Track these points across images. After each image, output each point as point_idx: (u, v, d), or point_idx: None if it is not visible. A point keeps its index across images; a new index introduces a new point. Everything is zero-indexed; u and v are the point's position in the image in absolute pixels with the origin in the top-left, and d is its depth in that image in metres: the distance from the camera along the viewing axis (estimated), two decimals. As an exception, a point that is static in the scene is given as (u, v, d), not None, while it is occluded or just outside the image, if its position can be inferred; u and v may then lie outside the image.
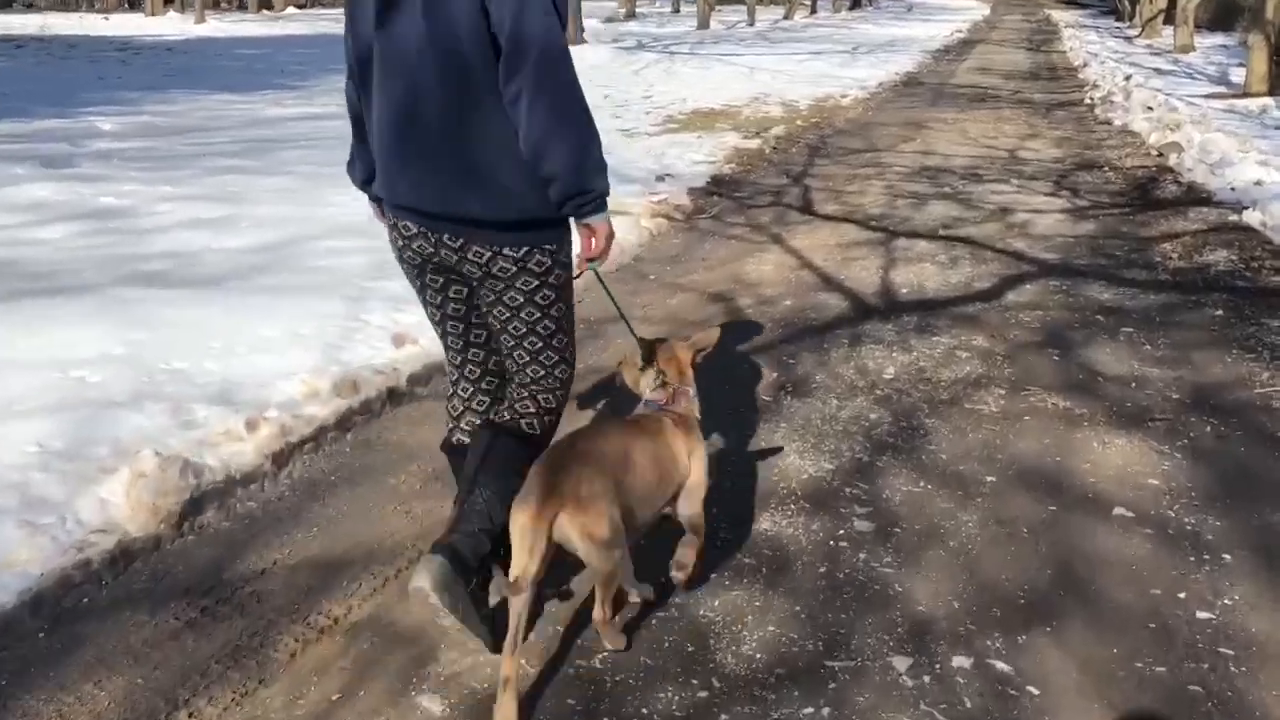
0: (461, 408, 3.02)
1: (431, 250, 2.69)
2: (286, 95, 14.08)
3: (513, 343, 2.80)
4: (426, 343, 4.84)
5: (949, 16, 45.55)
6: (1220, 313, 5.86)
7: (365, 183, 2.93)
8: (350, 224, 6.65)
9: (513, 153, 2.53)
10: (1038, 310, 5.93)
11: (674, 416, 2.93)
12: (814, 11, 44.56)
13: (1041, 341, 5.44)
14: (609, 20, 37.12)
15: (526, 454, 2.75)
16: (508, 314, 2.73)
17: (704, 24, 32.63)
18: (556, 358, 2.85)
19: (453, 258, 2.67)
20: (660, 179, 9.10)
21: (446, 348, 3.01)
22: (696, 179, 9.35)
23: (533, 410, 2.87)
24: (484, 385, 3.00)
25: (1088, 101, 16.41)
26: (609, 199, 2.65)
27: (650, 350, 3.03)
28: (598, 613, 2.69)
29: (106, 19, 29.91)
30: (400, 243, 2.78)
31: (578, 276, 2.86)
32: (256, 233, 6.60)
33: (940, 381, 4.91)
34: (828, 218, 8.31)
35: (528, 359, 2.82)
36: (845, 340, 5.48)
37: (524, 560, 2.48)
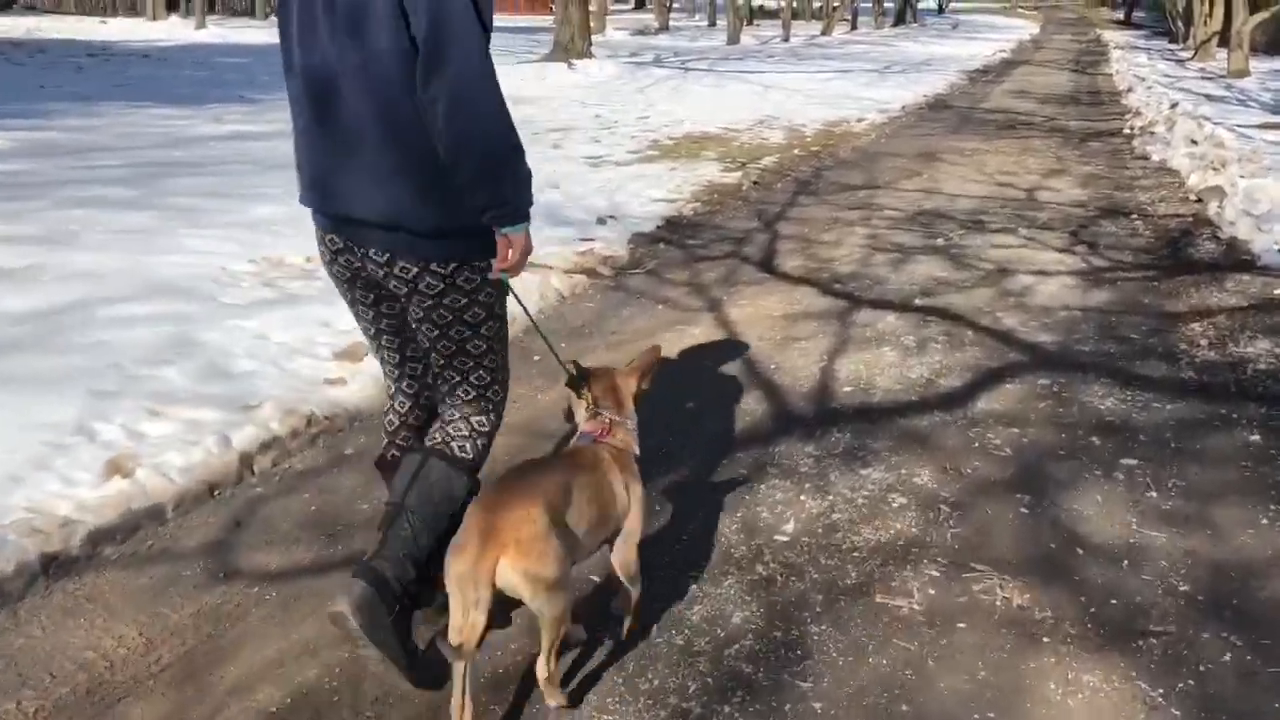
0: (397, 423, 2.92)
1: (359, 265, 2.60)
2: (234, 110, 12.85)
3: (443, 361, 2.70)
4: (144, 476, 3.48)
5: (994, 35, 43.86)
6: (1257, 438, 4.38)
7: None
8: (169, 282, 5.38)
9: (437, 159, 2.42)
10: (1014, 427, 4.48)
11: (611, 450, 2.75)
12: (854, 28, 43.01)
13: (1009, 481, 4.00)
14: (640, 33, 35.85)
15: (458, 479, 2.70)
16: (436, 331, 2.63)
17: (734, 39, 31.24)
18: (489, 378, 2.75)
19: (379, 273, 2.57)
20: (602, 221, 7.71)
21: (381, 361, 2.90)
22: (647, 222, 7.95)
23: (465, 432, 2.76)
24: (422, 400, 2.90)
25: (1127, 131, 14.83)
26: (527, 214, 2.51)
27: (584, 378, 2.83)
28: (542, 668, 2.50)
29: (104, 23, 29.02)
30: (328, 256, 2.68)
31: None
32: (50, 290, 5.32)
33: (854, 550, 3.49)
34: (785, 277, 6.89)
35: (458, 379, 2.73)
36: (743, 471, 4.06)
37: (466, 616, 2.30)
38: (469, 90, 2.35)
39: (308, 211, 2.74)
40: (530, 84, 16.97)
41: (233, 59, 20.59)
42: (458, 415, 2.78)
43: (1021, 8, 79.87)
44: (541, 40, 25.16)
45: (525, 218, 2.50)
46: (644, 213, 8.19)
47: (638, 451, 2.87)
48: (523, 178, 2.47)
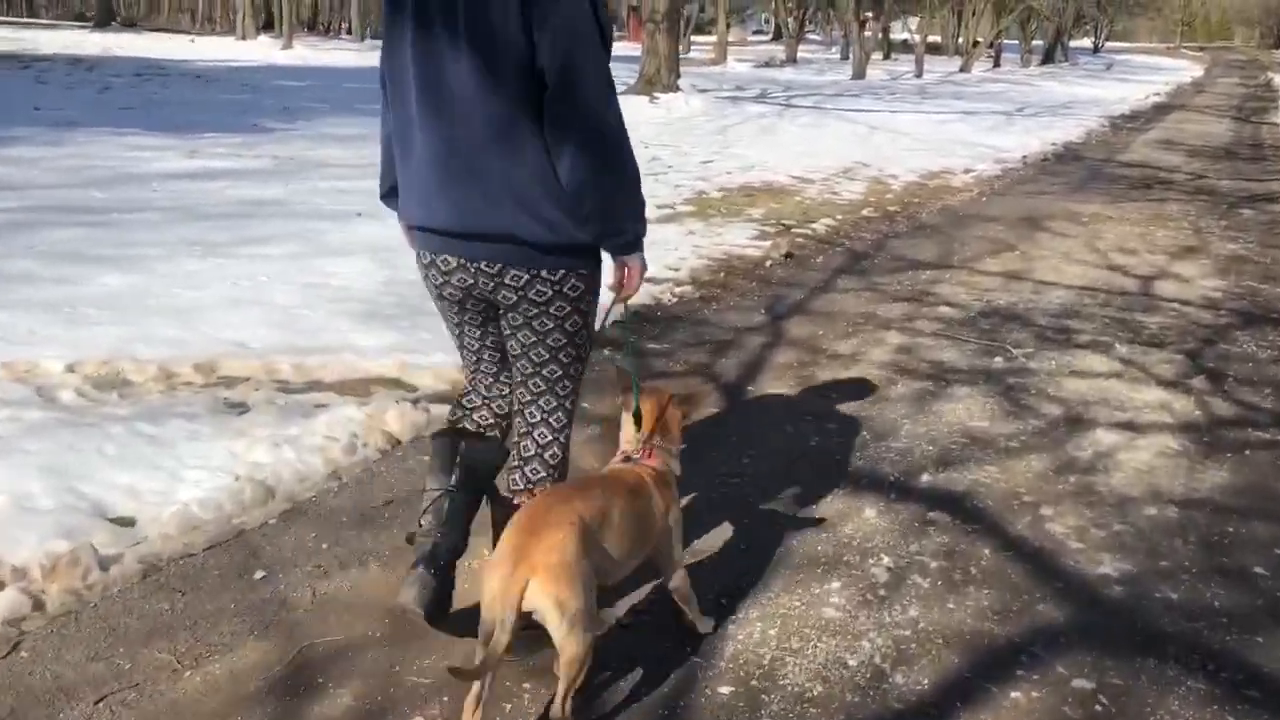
0: (479, 403, 2.90)
1: (471, 281, 2.61)
2: (228, 141, 11.31)
3: (530, 369, 2.71)
4: None
5: (1151, 77, 40.31)
6: None
7: (390, 195, 2.82)
8: None
9: (551, 180, 2.45)
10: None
11: (653, 473, 2.73)
12: (997, 65, 40.04)
13: None
14: (765, 65, 33.80)
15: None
16: (534, 338, 2.65)
17: (859, 74, 28.92)
18: (570, 387, 2.78)
19: (489, 284, 2.59)
20: None
21: (476, 371, 2.90)
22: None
23: (543, 474, 2.79)
24: (507, 403, 2.89)
25: (1289, 198, 12.15)
26: (642, 241, 2.59)
27: (645, 404, 2.81)
28: (557, 708, 2.38)
29: (192, 41, 28.43)
30: (439, 279, 2.68)
31: (609, 317, 2.86)
32: None
33: None
34: (749, 417, 4.79)
35: (543, 387, 2.73)
36: None
37: (493, 632, 2.26)
38: (596, 122, 2.36)
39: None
40: (602, 118, 15.12)
41: (292, 81, 19.37)
42: (532, 451, 2.77)
43: (1186, 48, 74.86)
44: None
45: (641, 245, 2.54)
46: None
47: (679, 473, 2.83)
48: (640, 206, 2.52)
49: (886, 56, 42.44)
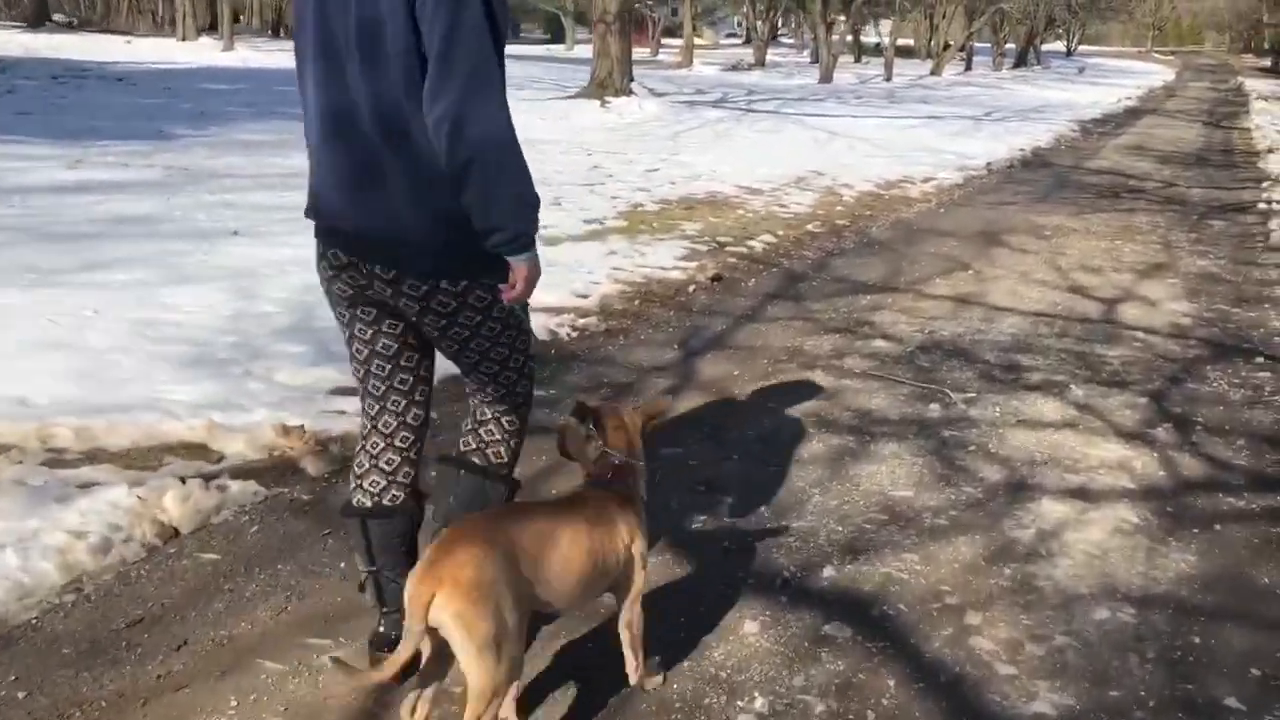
0: (368, 465, 2.62)
1: (365, 283, 2.41)
2: (118, 150, 10.20)
3: (467, 368, 2.58)
4: None
5: (1123, 81, 39.80)
6: None
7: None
8: None
9: (447, 178, 2.26)
10: None
11: (618, 496, 2.50)
12: (969, 68, 39.43)
13: None
14: (732, 68, 33.07)
15: (494, 489, 2.67)
16: (456, 346, 2.49)
17: (827, 78, 28.22)
18: (515, 375, 2.62)
19: (386, 291, 2.39)
20: None
21: (365, 394, 2.63)
22: None
23: (498, 435, 2.67)
24: (397, 441, 2.62)
25: (1262, 206, 11.51)
26: (533, 240, 2.36)
27: (594, 416, 2.59)
28: None
29: (128, 42, 27.42)
30: (330, 273, 2.48)
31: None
32: None
33: None
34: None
35: (486, 379, 2.60)
36: None
37: (409, 638, 2.10)
38: (475, 110, 2.18)
39: None
40: (547, 124, 14.35)
41: (220, 85, 18.36)
42: (489, 415, 2.66)
43: (1158, 52, 74.64)
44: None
45: (530, 245, 2.34)
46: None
47: (645, 496, 2.59)
48: (528, 203, 2.30)
49: (858, 60, 41.81)
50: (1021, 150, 16.67)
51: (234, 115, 13.84)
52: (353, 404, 4.16)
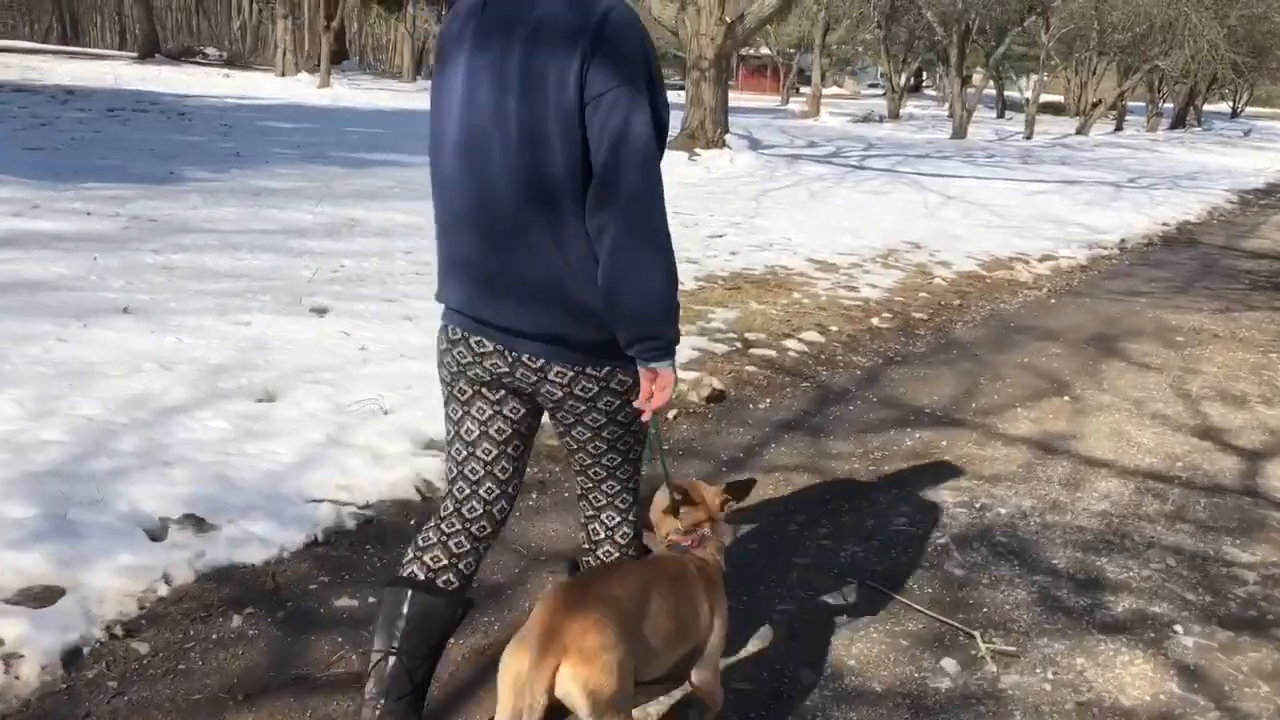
0: (435, 540, 2.50)
1: (506, 371, 2.35)
2: (99, 195, 8.69)
3: (589, 460, 2.49)
4: None
5: (1292, 146, 36.18)
6: None
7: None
8: None
9: (596, 277, 2.20)
10: None
11: (698, 562, 2.51)
12: (1119, 128, 36.52)
13: None
14: (863, 120, 31.14)
15: None
16: (589, 434, 2.42)
17: (959, 133, 26.09)
18: (632, 470, 2.55)
19: (530, 378, 2.34)
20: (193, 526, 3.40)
21: (459, 476, 2.51)
22: (299, 528, 3.58)
23: (616, 555, 2.57)
24: (474, 529, 2.51)
25: None
26: (674, 349, 2.26)
27: (681, 494, 2.66)
28: None
29: (227, 76, 27.01)
30: (467, 358, 2.38)
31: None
32: None
33: None
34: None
35: (604, 474, 2.52)
36: None
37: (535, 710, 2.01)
38: (638, 222, 2.13)
39: None
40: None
41: (283, 123, 17.36)
42: (603, 534, 2.57)
43: (1334, 116, 69.12)
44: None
45: (673, 353, 2.25)
46: (363, 500, 3.82)
47: (725, 567, 2.61)
48: (674, 310, 2.23)
49: (1000, 115, 39.32)
50: (1165, 225, 14.43)
51: (274, 157, 12.75)
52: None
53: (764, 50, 46.62)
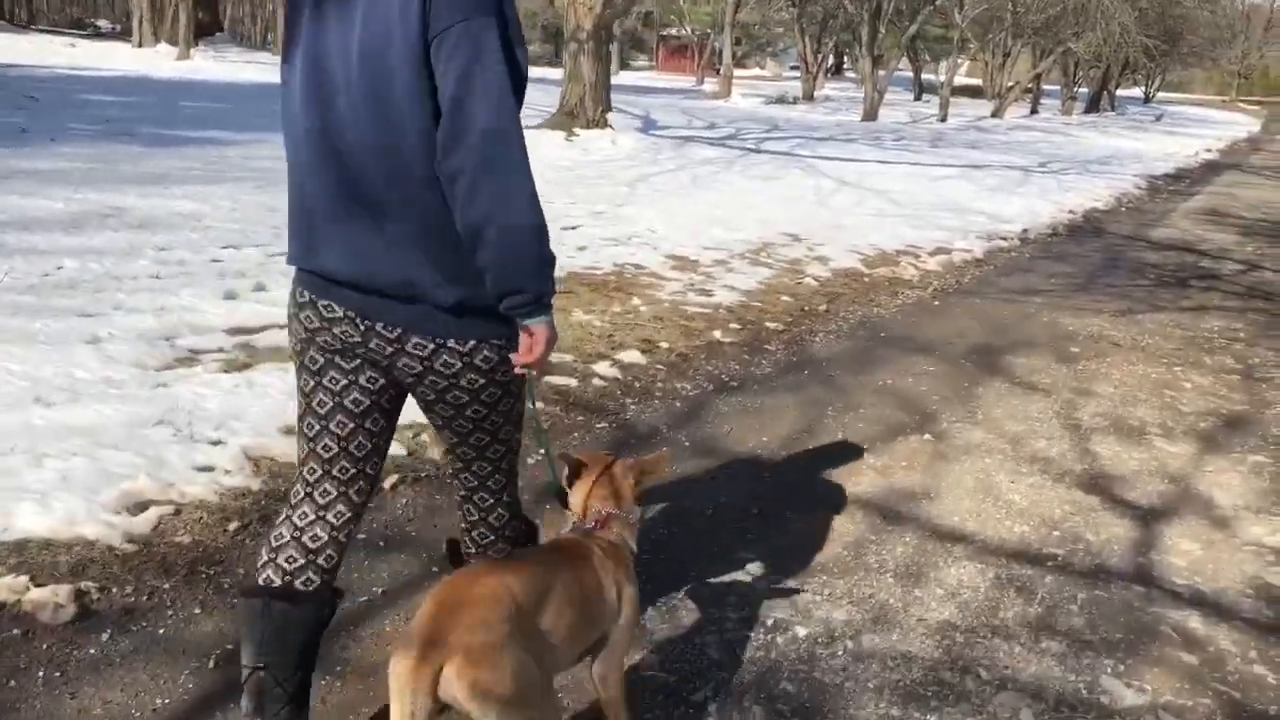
0: (288, 537, 2.26)
1: (359, 340, 2.13)
2: None
3: (456, 440, 2.31)
4: None
5: (1203, 130, 35.91)
6: None
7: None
8: None
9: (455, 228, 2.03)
10: None
11: (604, 544, 2.31)
12: (1034, 111, 35.82)
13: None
14: (777, 101, 29.98)
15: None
16: (452, 412, 2.22)
17: (870, 116, 25.04)
18: (504, 450, 2.36)
19: (385, 349, 2.13)
20: None
21: (311, 455, 2.26)
22: None
23: (491, 538, 2.43)
24: (330, 515, 2.27)
25: (1382, 315, 8.22)
26: (550, 303, 2.08)
27: (578, 467, 2.48)
28: None
29: (72, 45, 25.03)
30: (316, 324, 2.15)
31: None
32: None
33: None
34: None
35: (473, 455, 2.33)
36: None
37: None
38: (494, 167, 1.94)
39: None
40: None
41: (110, 97, 15.53)
42: (476, 514, 2.41)
43: (1243, 102, 69.80)
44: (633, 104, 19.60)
45: (548, 307, 2.08)
46: None
47: (634, 548, 2.41)
48: (546, 262, 2.04)
49: (918, 98, 38.47)
50: (1071, 213, 13.43)
51: (67, 134, 11.06)
52: None
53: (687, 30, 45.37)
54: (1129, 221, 13.46)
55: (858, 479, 4.24)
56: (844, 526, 3.78)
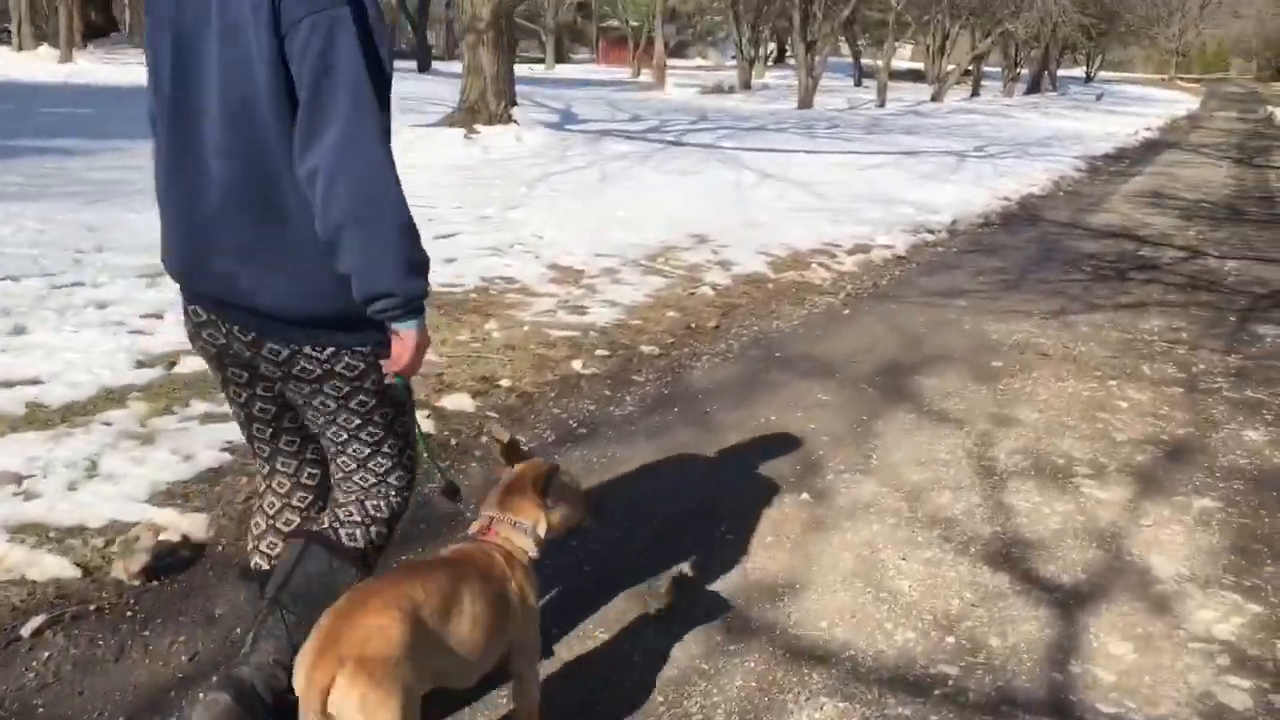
0: (264, 525, 2.34)
1: (224, 342, 2.09)
2: None
3: (334, 449, 2.18)
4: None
5: (1143, 109, 35.43)
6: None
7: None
8: None
9: (315, 239, 1.93)
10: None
11: (501, 551, 2.17)
12: (975, 94, 35.14)
13: None
14: (713, 90, 29.04)
15: (343, 570, 2.15)
16: (322, 419, 2.12)
17: (805, 103, 24.16)
18: (389, 463, 2.21)
19: (246, 353, 2.07)
20: None
21: (254, 453, 2.36)
22: None
23: (357, 518, 2.21)
24: (294, 500, 2.34)
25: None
26: (421, 306, 1.97)
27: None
28: None
29: None
30: (190, 329, 2.16)
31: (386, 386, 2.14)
32: None
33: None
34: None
35: (354, 465, 2.19)
36: None
37: None
38: (350, 163, 1.83)
39: None
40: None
41: None
42: (351, 499, 2.23)
43: (1181, 79, 69.87)
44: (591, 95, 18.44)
45: (420, 311, 1.98)
46: None
47: (533, 554, 2.22)
48: (416, 264, 1.93)
49: (858, 84, 37.68)
50: (1006, 200, 12.61)
51: None
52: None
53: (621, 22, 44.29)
54: (1067, 207, 12.67)
55: (706, 570, 3.29)
56: (669, 653, 2.83)
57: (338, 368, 2.03)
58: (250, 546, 2.34)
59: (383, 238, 1.87)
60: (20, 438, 3.64)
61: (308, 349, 2.01)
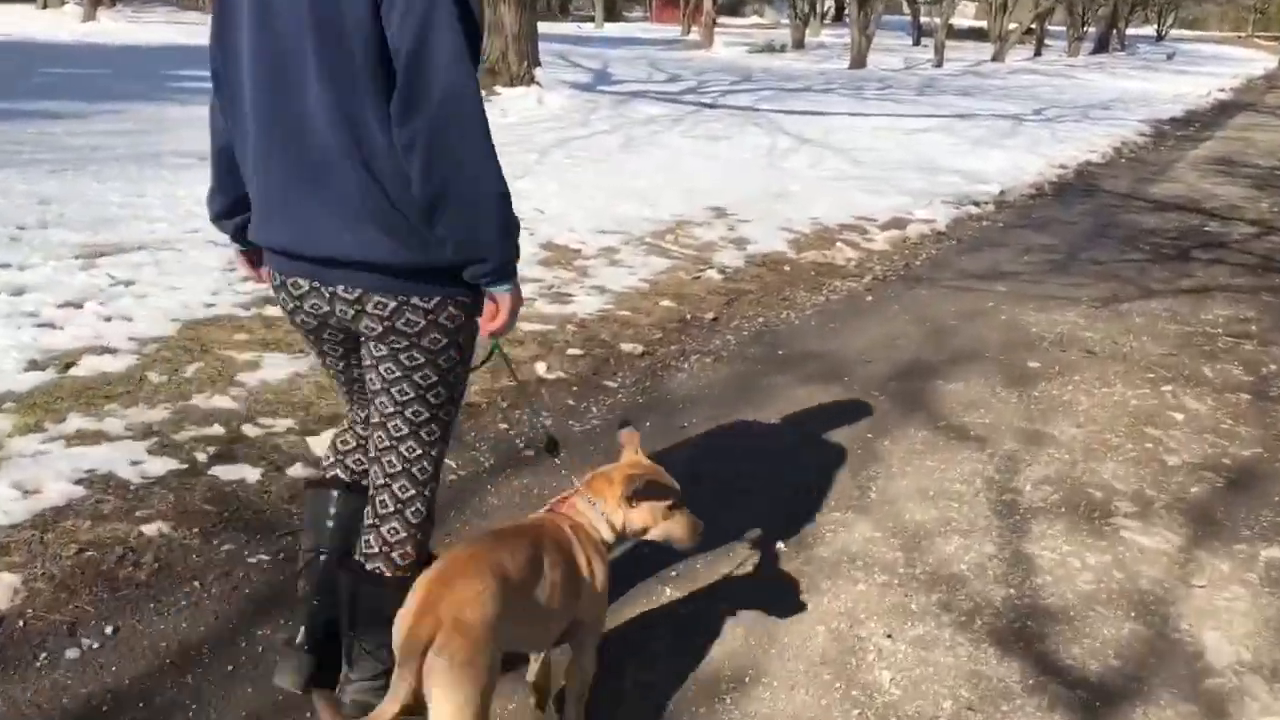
0: (354, 444, 2.37)
1: (327, 309, 2.04)
2: None
3: (392, 408, 2.11)
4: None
5: (1216, 69, 33.66)
6: None
7: (223, 215, 2.20)
8: None
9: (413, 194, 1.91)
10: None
11: (570, 522, 2.20)
12: (1039, 54, 33.57)
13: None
14: (764, 49, 27.98)
15: (393, 599, 1.98)
16: (399, 373, 2.07)
17: (858, 63, 23.08)
18: (437, 433, 2.16)
19: (349, 312, 2.02)
20: None
21: (354, 405, 2.33)
22: None
23: (403, 533, 2.18)
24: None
25: None
26: (515, 269, 1.98)
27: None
28: None
29: None
30: (291, 304, 2.11)
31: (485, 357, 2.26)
32: None
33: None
34: None
35: (406, 430, 2.13)
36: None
37: (400, 688, 1.75)
38: (453, 132, 1.82)
39: None
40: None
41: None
42: (391, 511, 2.18)
43: (1260, 37, 66.70)
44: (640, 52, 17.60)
45: (513, 274, 1.98)
46: None
47: (605, 537, 2.23)
48: (510, 229, 1.94)
49: (917, 43, 36.25)
50: (1062, 168, 11.64)
51: None
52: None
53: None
54: (1127, 175, 11.68)
55: (636, 654, 2.61)
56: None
57: (440, 318, 2.00)
58: (331, 460, 2.37)
59: (482, 207, 1.86)
60: None
61: (415, 299, 1.97)
